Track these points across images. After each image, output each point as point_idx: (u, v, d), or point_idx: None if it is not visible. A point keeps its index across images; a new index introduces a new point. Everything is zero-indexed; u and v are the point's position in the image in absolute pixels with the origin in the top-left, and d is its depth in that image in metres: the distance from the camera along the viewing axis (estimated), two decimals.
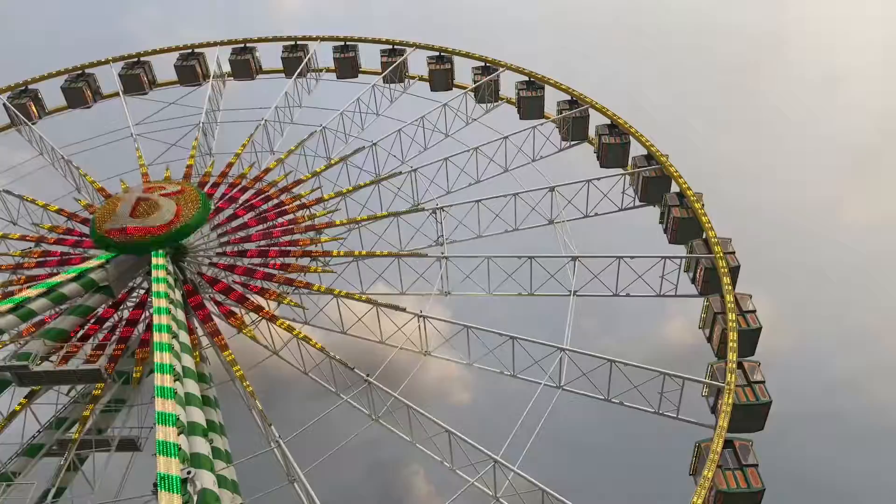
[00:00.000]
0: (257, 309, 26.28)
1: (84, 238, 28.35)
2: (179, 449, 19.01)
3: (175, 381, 21.44)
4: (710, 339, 25.49)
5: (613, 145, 32.31)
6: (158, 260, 25.73)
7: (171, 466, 18.14)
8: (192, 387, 23.15)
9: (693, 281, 27.24)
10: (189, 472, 18.79)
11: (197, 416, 22.22)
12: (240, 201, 30.41)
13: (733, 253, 26.60)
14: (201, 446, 21.26)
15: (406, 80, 38.03)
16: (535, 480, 21.28)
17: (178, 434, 19.59)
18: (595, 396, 24.39)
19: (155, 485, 17.95)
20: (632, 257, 26.77)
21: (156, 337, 22.80)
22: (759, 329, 24.67)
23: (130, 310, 26.60)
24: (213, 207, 29.05)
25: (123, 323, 26.00)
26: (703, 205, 28.25)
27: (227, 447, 25.12)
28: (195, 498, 18.94)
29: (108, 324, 26.09)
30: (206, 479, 20.05)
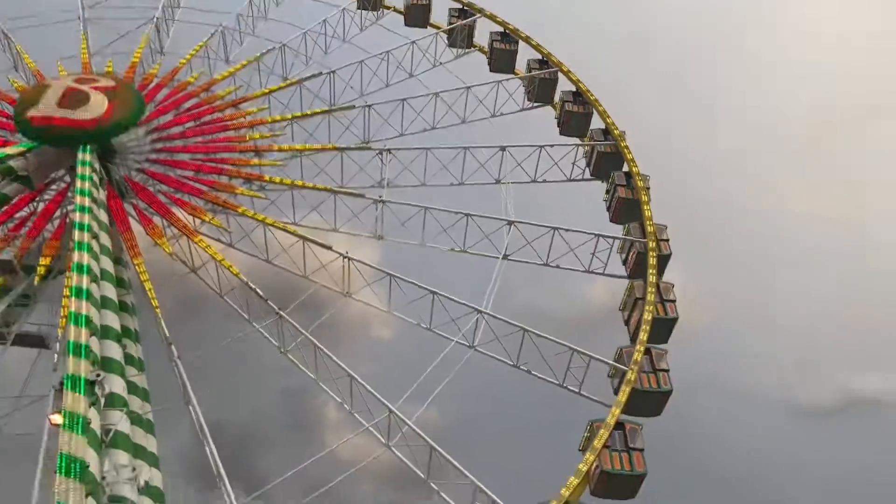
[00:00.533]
0: (180, 224, 25.60)
1: (7, 119, 27.02)
2: (90, 351, 18.72)
3: (92, 282, 20.95)
4: (627, 322, 25.89)
5: (576, 114, 31.88)
6: (85, 156, 24.67)
7: (79, 367, 17.88)
8: (110, 290, 22.74)
9: (624, 263, 27.45)
10: (98, 375, 18.58)
11: (112, 320, 21.93)
12: (181, 108, 29.24)
13: (667, 240, 26.76)
14: (114, 351, 21.10)
15: (380, 10, 36.59)
16: (427, 437, 21.59)
17: (91, 336, 19.27)
18: (505, 361, 24.70)
19: (61, 383, 17.73)
20: (567, 230, 26.71)
21: (76, 235, 22.11)
22: (675, 319, 25.09)
23: (46, 203, 25.63)
24: (150, 110, 27.88)
25: (36, 215, 25.11)
26: (648, 188, 28.24)
27: (140, 355, 24.87)
28: (102, 401, 18.84)
29: (19, 215, 25.14)
30: (115, 384, 19.95)
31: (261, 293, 24.45)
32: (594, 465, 21.17)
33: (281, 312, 24.30)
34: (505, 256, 26.89)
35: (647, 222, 26.79)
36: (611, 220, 29.01)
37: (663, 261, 26.30)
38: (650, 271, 25.40)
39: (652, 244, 26.15)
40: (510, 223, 27.22)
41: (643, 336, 23.71)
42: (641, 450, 21.70)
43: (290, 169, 28.40)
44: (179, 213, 26.12)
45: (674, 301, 25.21)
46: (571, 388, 23.95)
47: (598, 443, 21.24)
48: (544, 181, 30.17)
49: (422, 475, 21.65)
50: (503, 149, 29.44)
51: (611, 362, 23.56)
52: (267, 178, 27.44)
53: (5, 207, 24.58)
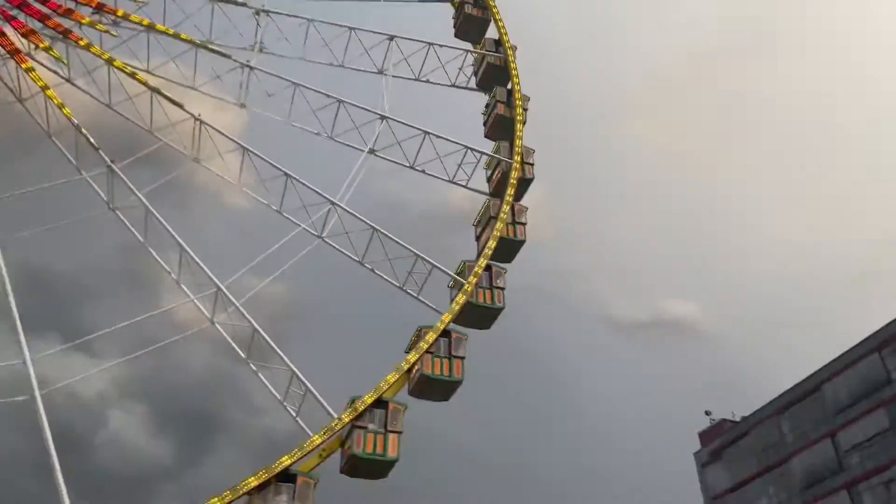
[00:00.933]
0: (9, 45, 22.38)
1: None
2: None
3: None
4: (478, 238, 26.18)
5: (474, 17, 30.63)
6: None
7: None
8: None
9: (488, 180, 27.45)
10: None
11: None
12: None
13: (532, 165, 26.90)
14: None
15: None
16: (252, 320, 21.12)
17: None
18: (350, 256, 24.37)
19: None
20: (438, 136, 26.11)
21: None
22: (522, 242, 25.68)
23: None
24: None
25: None
26: (526, 109, 27.99)
27: None
28: None
29: None
30: None
31: (92, 140, 22.17)
32: (415, 367, 21.68)
33: (112, 165, 22.26)
34: (371, 151, 26.01)
35: (517, 144, 26.69)
36: (485, 136, 28.73)
37: (524, 184, 26.58)
38: (508, 192, 25.52)
39: (517, 166, 26.15)
40: (383, 118, 26.18)
41: (487, 253, 24.06)
42: (462, 358, 22.47)
43: (152, 8, 25.50)
44: (11, 33, 22.79)
45: (524, 224, 25.72)
46: (411, 291, 24.10)
47: (422, 346, 21.64)
48: (427, 81, 29.08)
49: (242, 355, 21.28)
50: (391, 38, 27.89)
51: (451, 273, 23.89)
52: (122, 12, 24.34)
53: None
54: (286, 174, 23.89)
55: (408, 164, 26.69)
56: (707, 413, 58.79)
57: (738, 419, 55.94)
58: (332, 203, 24.00)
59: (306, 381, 19.84)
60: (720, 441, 55.91)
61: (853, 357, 47.03)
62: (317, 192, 24.04)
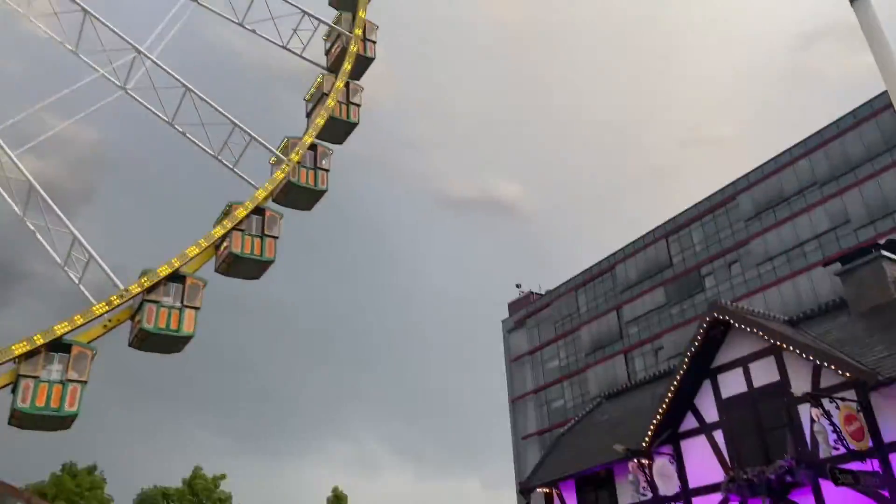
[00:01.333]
0: None
1: None
2: None
3: None
4: (308, 115, 23.69)
5: None
6: None
7: None
8: None
9: (326, 53, 24.53)
10: None
11: None
12: None
13: (374, 42, 24.19)
14: None
15: None
16: (28, 174, 17.62)
17: None
18: (159, 115, 20.95)
19: None
20: None
21: None
22: (355, 125, 23.67)
23: None
24: None
25: None
26: None
27: None
28: None
29: None
30: None
31: None
32: (224, 244, 19.65)
33: None
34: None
35: (360, 17, 23.71)
36: (329, 3, 25.30)
37: (363, 62, 24.28)
38: (345, 68, 22.94)
39: (357, 42, 23.33)
40: None
41: (313, 132, 21.81)
42: (276, 237, 20.71)
43: None
44: None
45: (359, 106, 23.68)
46: (226, 162, 21.47)
47: (228, 223, 19.58)
48: None
49: (18, 211, 17.97)
50: None
51: (271, 148, 21.59)
52: None
53: None
54: (84, 9, 19.38)
55: (236, 21, 23.04)
56: (517, 286, 63.06)
57: (543, 292, 60.28)
58: (138, 51, 20.07)
59: (89, 247, 17.33)
60: (525, 311, 60.44)
61: (644, 242, 51.77)
62: (120, 35, 19.91)
